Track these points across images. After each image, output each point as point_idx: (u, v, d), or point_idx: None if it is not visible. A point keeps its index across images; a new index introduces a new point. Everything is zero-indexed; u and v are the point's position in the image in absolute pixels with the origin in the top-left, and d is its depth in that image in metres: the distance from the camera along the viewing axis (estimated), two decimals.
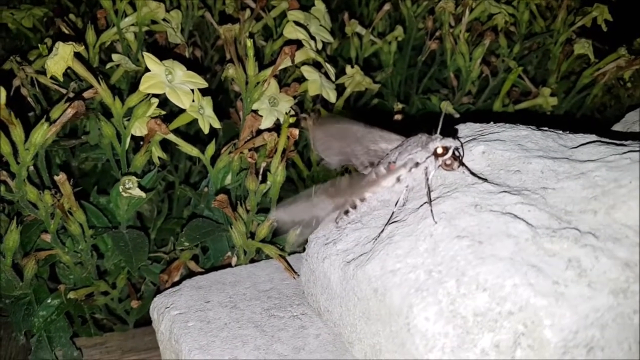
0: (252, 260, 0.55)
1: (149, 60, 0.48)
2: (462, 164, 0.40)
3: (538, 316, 0.30)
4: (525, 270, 0.31)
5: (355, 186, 0.38)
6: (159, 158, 0.60)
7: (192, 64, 0.70)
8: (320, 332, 0.43)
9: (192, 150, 0.55)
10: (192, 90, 0.52)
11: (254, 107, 0.58)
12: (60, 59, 0.47)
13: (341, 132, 0.42)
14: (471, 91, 0.74)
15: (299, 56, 0.57)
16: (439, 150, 0.37)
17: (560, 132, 0.45)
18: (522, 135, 0.44)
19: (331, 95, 0.64)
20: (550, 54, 0.76)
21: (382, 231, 0.39)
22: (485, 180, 0.39)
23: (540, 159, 0.40)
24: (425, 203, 0.39)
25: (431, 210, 0.37)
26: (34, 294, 0.57)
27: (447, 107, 0.68)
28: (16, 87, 0.65)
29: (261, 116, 0.55)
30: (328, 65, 0.59)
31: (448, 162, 0.38)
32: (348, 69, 0.67)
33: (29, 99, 0.63)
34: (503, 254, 0.32)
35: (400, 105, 0.70)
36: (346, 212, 0.41)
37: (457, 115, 0.68)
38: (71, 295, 0.55)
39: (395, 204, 0.39)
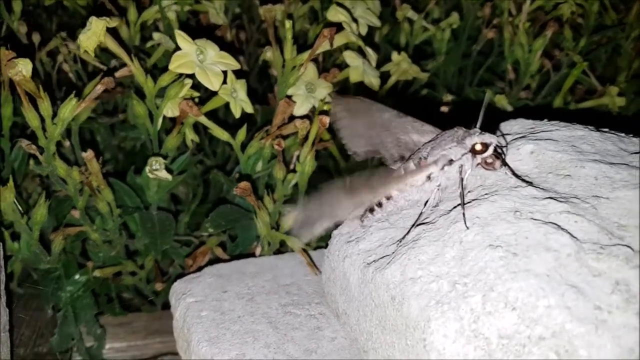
0: (279, 252, 0.53)
1: (181, 38, 0.46)
2: (504, 163, 0.36)
3: (573, 345, 0.26)
4: (563, 290, 0.27)
5: (379, 183, 0.34)
6: (196, 142, 0.58)
7: (233, 46, 0.69)
8: (336, 335, 0.40)
9: (223, 135, 0.53)
10: (225, 72, 0.49)
11: (290, 92, 0.55)
12: (93, 34, 0.46)
13: (368, 117, 0.39)
14: (530, 86, 0.68)
15: (339, 40, 0.53)
16: (478, 147, 0.34)
17: (623, 134, 0.40)
18: (577, 136, 0.40)
19: (374, 83, 0.61)
20: (621, 49, 0.69)
21: (407, 233, 0.36)
22: (530, 183, 0.35)
23: (595, 163, 0.36)
24: (458, 205, 0.35)
25: (463, 214, 0.33)
26: (63, 268, 0.57)
27: (501, 100, 0.63)
28: (60, 63, 0.65)
29: (295, 102, 0.52)
30: (370, 51, 0.56)
31: (489, 160, 0.34)
32: (394, 55, 0.63)
33: (70, 74, 0.63)
34: (539, 270, 0.28)
35: (449, 97, 0.66)
36: (372, 211, 0.38)
37: (509, 109, 0.63)
38: (97, 273, 0.55)
39: (425, 205, 0.35)
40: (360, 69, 0.59)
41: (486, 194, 0.35)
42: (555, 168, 0.37)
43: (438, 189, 0.35)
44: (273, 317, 0.42)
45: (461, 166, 0.34)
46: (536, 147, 0.38)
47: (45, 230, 0.55)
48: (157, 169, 0.49)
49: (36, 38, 0.60)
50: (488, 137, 0.33)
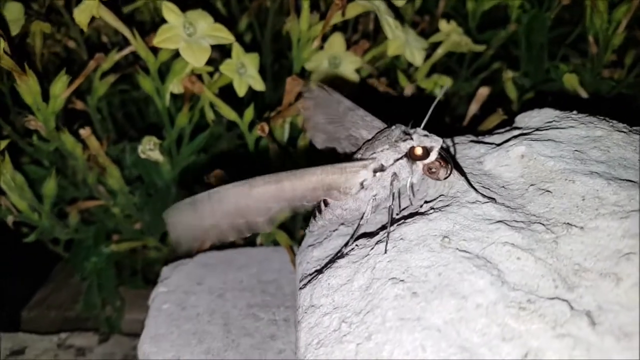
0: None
1: (166, 10, 0.43)
2: (459, 171, 0.29)
3: None
4: (448, 354, 0.21)
5: (290, 179, 0.28)
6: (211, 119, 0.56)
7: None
8: (286, 347, 0.36)
9: (230, 114, 0.50)
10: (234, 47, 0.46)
11: (310, 67, 0.50)
12: (86, 7, 0.45)
13: (328, 108, 0.33)
14: (623, 63, 0.56)
15: (352, 9, 0.47)
16: (418, 152, 0.27)
17: None
18: (592, 137, 0.31)
19: (417, 57, 0.53)
20: None
21: (345, 245, 0.30)
22: (491, 199, 0.27)
23: (591, 177, 0.27)
24: (402, 218, 0.29)
25: (387, 234, 0.27)
26: (93, 239, 0.58)
27: (571, 80, 0.52)
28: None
29: (303, 79, 0.47)
30: (390, 21, 0.48)
31: (432, 168, 0.27)
32: (442, 24, 0.55)
33: None
34: (433, 321, 0.22)
35: (510, 74, 0.56)
36: (314, 216, 0.33)
37: (584, 96, 0.52)
38: (113, 247, 0.55)
39: (362, 218, 0.29)
40: (400, 40, 0.52)
41: (432, 208, 0.28)
42: (542, 179, 0.29)
43: (374, 199, 0.29)
44: (232, 319, 0.39)
45: (394, 174, 0.27)
46: (528, 150, 0.30)
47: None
48: (150, 149, 0.48)
49: None
50: (429, 140, 0.26)
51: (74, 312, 0.59)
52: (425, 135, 0.27)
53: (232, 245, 0.50)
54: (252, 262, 0.45)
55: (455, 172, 0.28)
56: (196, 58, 0.43)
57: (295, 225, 0.50)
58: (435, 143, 0.26)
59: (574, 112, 0.35)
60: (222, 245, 0.52)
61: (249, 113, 0.49)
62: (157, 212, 0.53)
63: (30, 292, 0.62)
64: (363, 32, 0.63)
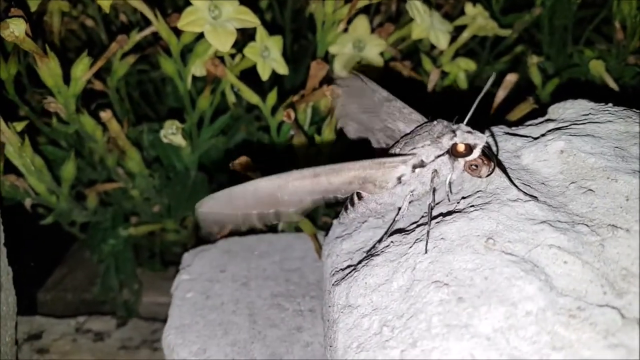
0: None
1: None
2: (502, 169, 0.28)
3: None
4: None
5: (335, 180, 0.27)
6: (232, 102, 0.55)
7: None
8: (313, 340, 0.36)
9: (253, 97, 0.49)
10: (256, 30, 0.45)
11: (333, 50, 0.50)
12: None
13: (363, 94, 0.32)
14: None
15: None
16: (460, 148, 0.26)
17: None
18: (631, 133, 0.30)
19: (441, 40, 0.52)
20: None
21: (379, 241, 0.30)
22: (533, 198, 0.27)
23: (634, 176, 0.26)
24: (439, 215, 0.28)
25: (427, 232, 0.26)
26: (111, 221, 0.58)
27: (597, 66, 0.51)
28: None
29: (327, 63, 0.46)
30: (418, 4, 0.47)
31: (474, 165, 0.27)
32: (468, 7, 0.54)
33: None
34: (481, 329, 0.21)
35: (535, 59, 0.55)
36: (346, 209, 0.32)
37: (612, 85, 0.51)
38: (131, 231, 0.55)
39: (397, 213, 0.29)
40: (425, 23, 0.51)
41: (471, 205, 0.27)
42: (583, 176, 0.28)
43: (411, 195, 0.28)
44: (257, 309, 0.39)
45: (435, 171, 0.27)
46: (568, 145, 0.29)
47: None
48: (173, 133, 0.47)
49: None
50: (472, 137, 0.26)
51: (90, 294, 0.59)
52: (469, 132, 0.26)
53: (254, 231, 0.50)
54: (275, 250, 0.45)
55: (496, 169, 0.27)
56: (221, 42, 0.43)
57: (317, 212, 0.49)
58: (479, 140, 0.26)
59: (610, 104, 0.34)
60: (243, 231, 0.52)
61: (272, 97, 0.48)
62: (176, 195, 0.53)
63: (46, 273, 0.62)
64: (385, 14, 0.61)
